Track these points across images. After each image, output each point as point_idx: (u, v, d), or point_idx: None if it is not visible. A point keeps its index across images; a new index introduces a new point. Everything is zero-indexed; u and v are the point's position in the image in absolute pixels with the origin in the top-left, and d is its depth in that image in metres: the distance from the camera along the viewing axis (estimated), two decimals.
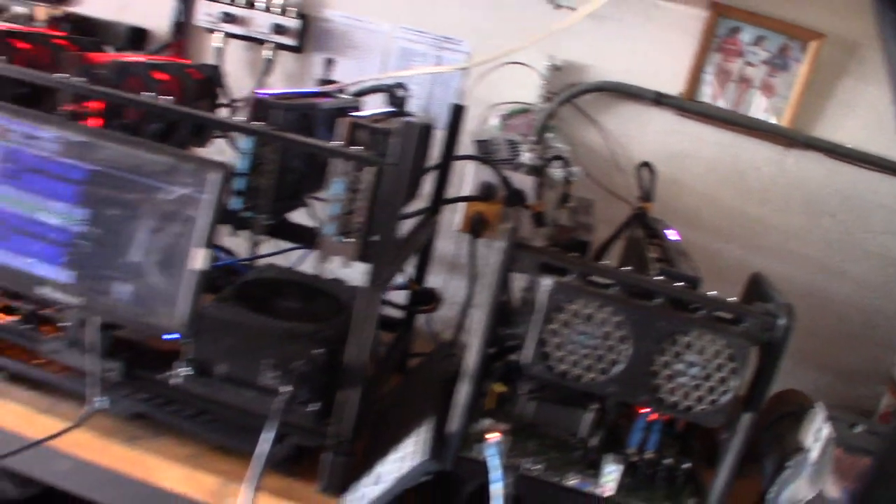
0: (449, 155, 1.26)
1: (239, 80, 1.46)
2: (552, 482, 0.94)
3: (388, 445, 1.02)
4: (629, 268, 0.91)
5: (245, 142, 0.94)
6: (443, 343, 1.33)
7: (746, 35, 1.41)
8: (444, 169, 1.28)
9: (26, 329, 1.09)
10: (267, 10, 1.46)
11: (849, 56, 1.40)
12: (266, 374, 0.98)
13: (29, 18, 1.59)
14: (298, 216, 1.12)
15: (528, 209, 1.25)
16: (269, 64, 1.49)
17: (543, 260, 0.88)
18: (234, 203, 0.97)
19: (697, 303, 0.87)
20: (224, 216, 0.92)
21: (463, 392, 0.93)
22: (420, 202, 1.22)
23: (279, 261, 1.29)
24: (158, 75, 1.12)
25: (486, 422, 0.97)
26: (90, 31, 1.46)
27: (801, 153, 1.46)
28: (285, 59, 1.52)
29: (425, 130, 1.11)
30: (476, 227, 1.38)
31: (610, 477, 0.93)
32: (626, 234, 1.22)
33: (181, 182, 0.90)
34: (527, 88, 1.45)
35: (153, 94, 1.00)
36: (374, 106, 1.25)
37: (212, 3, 1.47)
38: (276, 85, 1.55)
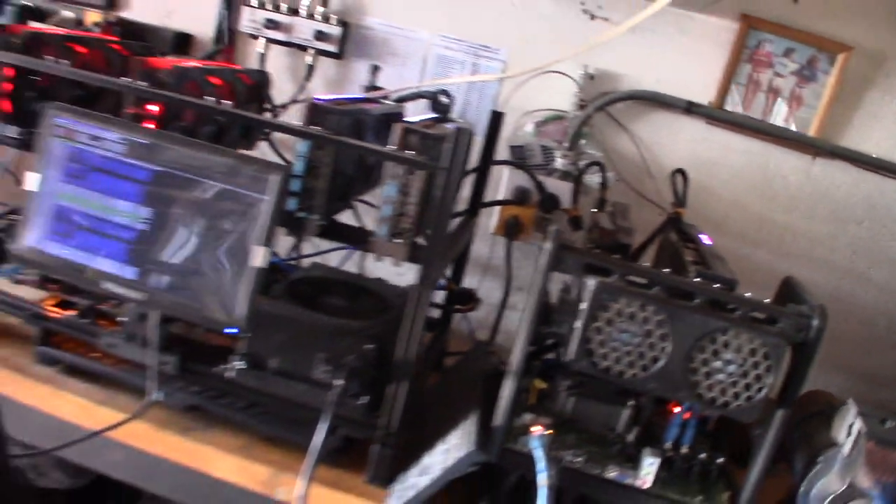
0: (487, 160, 1.30)
1: (280, 84, 1.51)
2: (593, 474, 0.98)
3: (432, 439, 1.06)
4: (668, 270, 0.95)
5: (302, 145, 0.98)
6: (480, 342, 1.37)
7: (776, 47, 1.45)
8: (482, 174, 1.32)
9: (84, 323, 1.14)
10: (310, 17, 1.51)
11: (876, 68, 1.44)
12: (318, 368, 1.03)
13: (77, 23, 1.64)
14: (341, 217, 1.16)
15: (566, 213, 1.29)
16: (310, 70, 1.54)
17: (587, 261, 0.92)
18: (290, 204, 1.02)
19: (734, 304, 0.91)
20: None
21: (507, 388, 0.97)
22: (459, 205, 1.26)
23: (324, 260, 1.33)
24: (213, 80, 1.17)
25: (528, 416, 1.01)
26: (138, 36, 1.51)
27: (828, 162, 1.50)
28: (326, 65, 1.57)
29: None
30: (511, 231, 1.42)
31: (649, 469, 0.96)
32: (659, 237, 1.26)
33: (243, 183, 0.95)
34: (561, 96, 1.49)
35: (213, 98, 1.05)
36: (414, 112, 1.30)
37: (256, 10, 1.51)
38: (317, 90, 1.59)
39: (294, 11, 1.51)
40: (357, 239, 1.04)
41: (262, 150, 1.33)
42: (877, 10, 1.40)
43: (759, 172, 1.51)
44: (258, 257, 0.94)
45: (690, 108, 1.47)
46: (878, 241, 1.52)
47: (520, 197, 1.43)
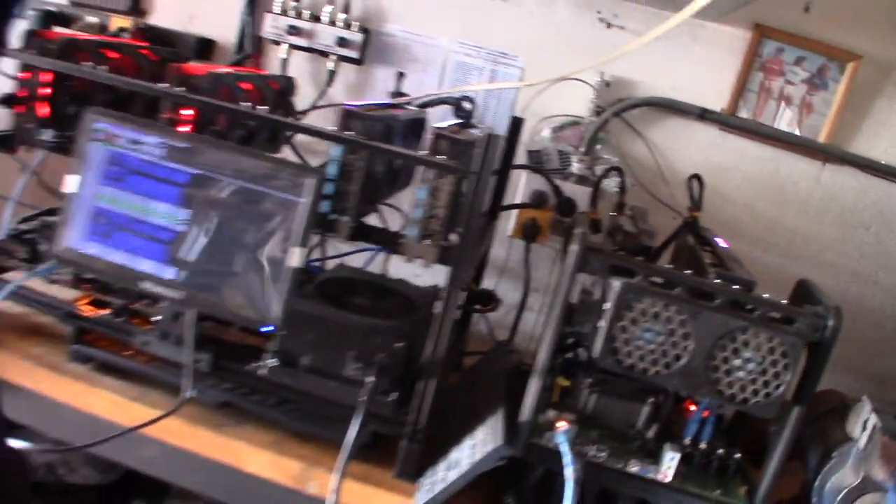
0: (507, 164, 1.34)
1: (301, 90, 1.54)
2: (616, 468, 1.01)
3: (456, 435, 1.10)
4: (689, 271, 0.98)
5: (336, 150, 1.01)
6: (500, 342, 1.40)
7: (788, 55, 1.49)
8: (502, 177, 1.36)
9: (119, 322, 1.16)
10: (332, 24, 1.54)
11: (884, 77, 1.48)
12: (349, 365, 1.06)
13: (102, 28, 1.67)
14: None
15: (585, 216, 1.33)
16: (331, 75, 1.57)
17: (613, 263, 0.96)
18: (322, 206, 1.05)
19: (753, 304, 0.94)
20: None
21: (533, 385, 1.00)
22: None
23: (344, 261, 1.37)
24: (245, 86, 1.20)
25: (552, 413, 1.05)
26: (163, 42, 1.54)
27: (837, 168, 1.53)
28: (346, 70, 1.60)
29: None
30: (529, 233, 1.46)
31: (670, 464, 1.00)
32: (676, 240, 1.29)
33: (279, 186, 0.98)
34: (577, 102, 1.53)
35: (248, 103, 1.08)
36: (436, 117, 1.33)
37: (279, 16, 1.55)
38: (338, 95, 1.63)
39: (316, 18, 1.54)
40: (386, 241, 1.07)
41: (285, 153, 1.37)
42: (886, 20, 1.44)
43: (770, 178, 1.55)
44: (295, 258, 0.97)
45: (704, 115, 1.51)
46: (886, 245, 1.55)
47: (537, 200, 1.47)
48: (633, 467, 1.01)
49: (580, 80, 1.46)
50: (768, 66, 1.50)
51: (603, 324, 0.94)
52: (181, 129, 1.08)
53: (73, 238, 1.04)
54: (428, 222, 1.03)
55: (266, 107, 1.07)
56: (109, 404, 1.15)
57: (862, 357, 1.54)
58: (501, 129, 1.50)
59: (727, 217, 1.51)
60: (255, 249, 0.99)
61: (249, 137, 1.24)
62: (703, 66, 1.51)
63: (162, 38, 1.58)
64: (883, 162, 1.50)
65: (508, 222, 1.50)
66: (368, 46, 1.57)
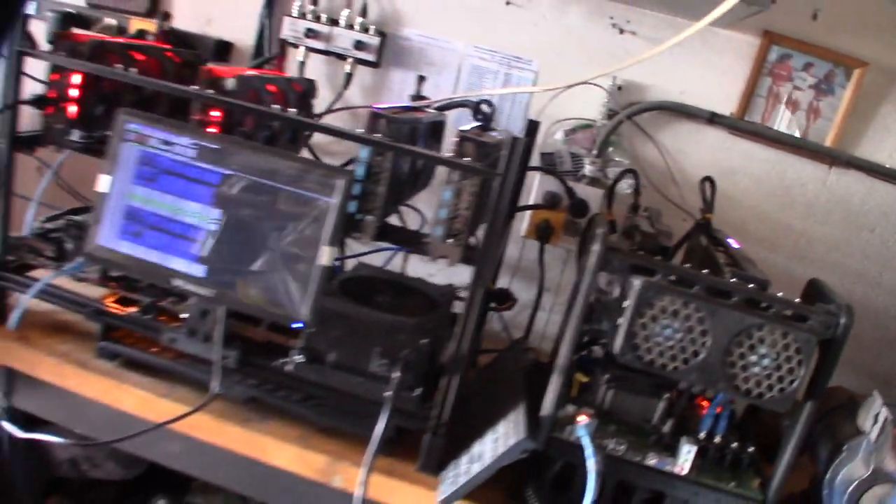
0: (524, 167, 1.36)
1: (318, 91, 1.57)
2: (634, 461, 1.04)
3: (476, 430, 1.13)
4: (706, 270, 1.01)
5: (364, 151, 1.04)
6: (516, 340, 1.43)
7: (796, 61, 1.52)
8: (518, 179, 1.38)
9: (147, 319, 1.19)
10: (349, 27, 1.57)
11: (890, 83, 1.51)
12: (374, 361, 1.09)
13: (120, 30, 1.70)
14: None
15: (603, 217, 1.36)
16: (349, 78, 1.60)
17: (634, 262, 0.99)
18: (350, 206, 1.08)
19: (768, 302, 0.98)
20: None
21: (554, 381, 1.03)
22: None
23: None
24: (270, 88, 1.23)
25: (571, 408, 1.08)
26: (184, 44, 1.57)
27: (843, 171, 1.57)
28: (362, 73, 1.63)
29: None
30: (543, 234, 1.49)
31: (687, 457, 1.03)
32: (689, 241, 1.33)
33: (310, 187, 1.01)
34: (590, 106, 1.56)
35: (276, 106, 1.11)
36: (451, 119, 1.36)
37: (297, 20, 1.58)
38: (354, 98, 1.66)
39: (334, 21, 1.57)
40: (411, 240, 1.10)
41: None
42: (892, 28, 1.48)
43: (777, 181, 1.58)
44: (325, 256, 1.00)
45: (713, 119, 1.55)
46: (890, 247, 1.59)
47: (551, 202, 1.50)
48: (651, 460, 1.04)
49: (594, 84, 1.49)
50: (776, 71, 1.53)
51: (624, 321, 0.97)
52: (210, 130, 1.11)
53: (105, 236, 1.07)
54: (452, 223, 1.06)
55: (294, 109, 1.10)
56: (137, 400, 1.18)
57: (866, 356, 1.57)
58: (516, 131, 1.53)
59: (735, 218, 1.54)
60: (284, 248, 1.02)
61: (273, 138, 1.27)
62: (713, 71, 1.55)
63: (182, 41, 1.61)
64: (888, 166, 1.54)
65: (522, 223, 1.54)
66: (385, 50, 1.60)
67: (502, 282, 1.57)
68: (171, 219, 1.05)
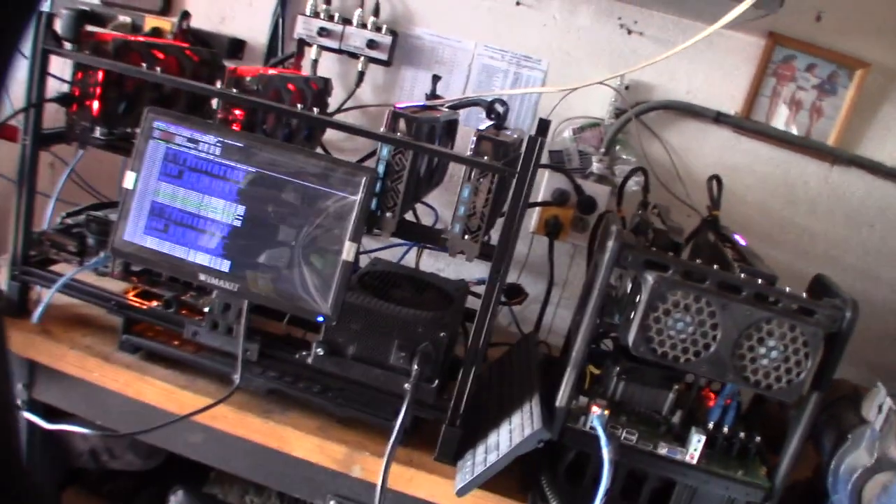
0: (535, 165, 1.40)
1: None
2: (646, 450, 1.08)
3: (489, 421, 1.16)
4: (717, 267, 1.05)
5: (385, 150, 1.07)
6: (527, 334, 1.46)
7: (799, 62, 1.56)
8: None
9: (170, 313, 1.22)
10: (362, 26, 1.59)
11: (891, 83, 1.55)
12: (394, 354, 1.12)
13: (134, 28, 1.72)
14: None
15: (615, 215, 1.39)
16: (361, 76, 1.63)
17: (648, 258, 1.02)
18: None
19: (776, 296, 1.01)
20: None
21: (569, 373, 1.07)
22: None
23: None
24: (290, 87, 1.26)
25: (583, 399, 1.11)
26: (199, 42, 1.59)
27: (845, 170, 1.61)
28: (374, 71, 1.66)
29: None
30: (552, 230, 1.52)
31: (697, 446, 1.06)
32: (696, 237, 1.36)
33: (333, 184, 1.04)
34: (597, 104, 1.59)
35: (297, 104, 1.14)
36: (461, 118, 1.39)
37: (310, 19, 1.60)
38: (365, 95, 1.69)
39: (347, 21, 1.60)
40: (430, 237, 1.13)
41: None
42: (893, 30, 1.51)
43: (781, 178, 1.62)
44: (348, 252, 1.03)
45: (719, 118, 1.58)
46: (889, 243, 1.63)
47: (559, 198, 1.53)
48: (662, 449, 1.08)
49: (606, 85, 1.53)
50: (781, 72, 1.57)
51: (637, 315, 1.00)
52: (233, 127, 1.14)
53: (131, 232, 1.10)
54: (469, 219, 1.09)
55: (315, 108, 1.13)
56: (159, 392, 1.20)
57: (865, 350, 1.60)
58: (526, 129, 1.56)
59: (739, 215, 1.57)
60: (307, 244, 1.05)
61: (291, 135, 1.30)
62: (719, 71, 1.58)
63: (199, 39, 1.63)
64: (888, 164, 1.58)
65: (531, 219, 1.57)
66: (396, 48, 1.62)
67: (511, 276, 1.60)
68: (195, 214, 1.08)
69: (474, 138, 1.06)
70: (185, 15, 1.47)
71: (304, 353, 1.15)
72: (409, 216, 1.30)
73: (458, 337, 1.25)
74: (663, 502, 1.11)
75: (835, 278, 1.12)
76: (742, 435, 1.11)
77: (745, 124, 1.59)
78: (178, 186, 1.09)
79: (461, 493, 1.06)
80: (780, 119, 1.59)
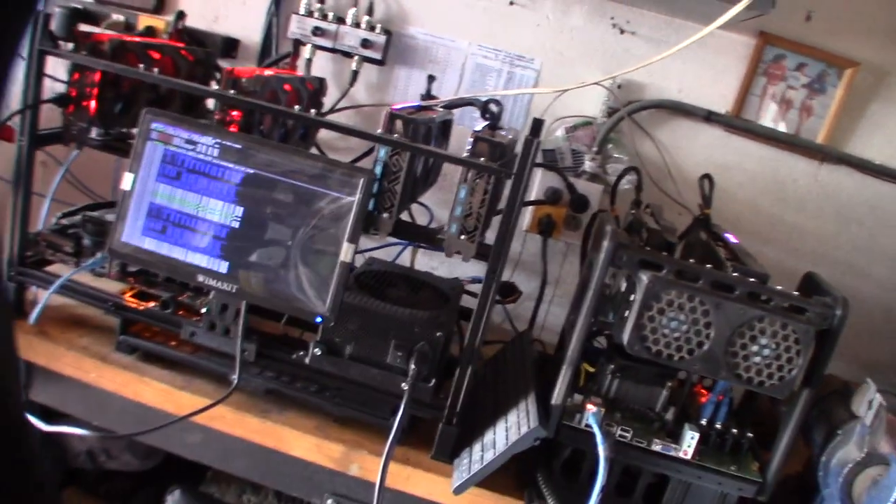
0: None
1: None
2: (641, 447, 1.09)
3: (487, 418, 1.17)
4: (709, 265, 1.06)
5: (382, 151, 1.08)
6: (521, 332, 1.48)
7: (790, 62, 1.58)
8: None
9: (167, 314, 1.22)
10: (356, 26, 1.60)
11: (879, 82, 1.57)
12: (391, 353, 1.13)
13: (128, 26, 1.71)
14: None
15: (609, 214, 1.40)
16: (355, 76, 1.63)
17: (642, 258, 1.04)
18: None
19: (768, 295, 1.03)
20: None
21: (565, 371, 1.08)
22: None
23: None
24: (287, 87, 1.27)
25: (578, 397, 1.12)
26: (194, 41, 1.59)
27: (834, 167, 1.63)
28: (367, 70, 1.66)
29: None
30: (545, 229, 1.54)
31: (691, 442, 1.08)
32: (688, 236, 1.37)
33: (331, 185, 1.04)
34: (590, 103, 1.61)
35: (294, 105, 1.14)
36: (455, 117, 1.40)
37: (304, 18, 1.60)
38: (359, 95, 1.69)
39: (340, 20, 1.60)
40: (426, 237, 1.14)
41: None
42: (883, 30, 1.53)
43: (771, 176, 1.64)
44: (346, 253, 1.04)
45: (710, 117, 1.60)
46: (878, 240, 1.65)
47: (552, 197, 1.54)
48: (656, 446, 1.09)
49: (599, 84, 1.54)
50: (771, 71, 1.58)
51: (632, 314, 1.01)
52: (230, 129, 1.14)
53: (129, 233, 1.10)
54: (465, 219, 1.10)
55: (312, 109, 1.14)
56: (156, 393, 1.21)
57: (853, 345, 1.62)
58: (519, 128, 1.57)
59: (730, 212, 1.59)
60: (305, 245, 1.05)
61: (287, 135, 1.31)
62: (710, 70, 1.60)
63: (193, 38, 1.63)
64: (877, 162, 1.60)
65: (524, 218, 1.58)
66: (390, 48, 1.63)
67: (504, 275, 1.61)
68: (193, 216, 1.09)
69: (471, 139, 1.07)
70: (181, 15, 1.47)
71: (301, 353, 1.16)
72: (404, 215, 1.31)
73: (452, 335, 1.26)
74: (657, 498, 1.13)
75: (824, 275, 1.14)
76: (734, 431, 1.13)
77: (736, 123, 1.60)
78: (176, 188, 1.09)
79: (458, 491, 1.07)
80: (770, 117, 1.61)
